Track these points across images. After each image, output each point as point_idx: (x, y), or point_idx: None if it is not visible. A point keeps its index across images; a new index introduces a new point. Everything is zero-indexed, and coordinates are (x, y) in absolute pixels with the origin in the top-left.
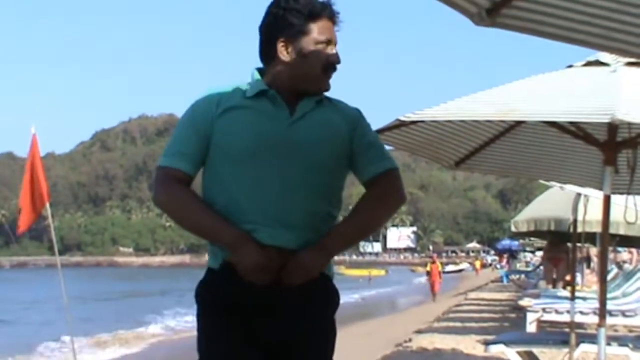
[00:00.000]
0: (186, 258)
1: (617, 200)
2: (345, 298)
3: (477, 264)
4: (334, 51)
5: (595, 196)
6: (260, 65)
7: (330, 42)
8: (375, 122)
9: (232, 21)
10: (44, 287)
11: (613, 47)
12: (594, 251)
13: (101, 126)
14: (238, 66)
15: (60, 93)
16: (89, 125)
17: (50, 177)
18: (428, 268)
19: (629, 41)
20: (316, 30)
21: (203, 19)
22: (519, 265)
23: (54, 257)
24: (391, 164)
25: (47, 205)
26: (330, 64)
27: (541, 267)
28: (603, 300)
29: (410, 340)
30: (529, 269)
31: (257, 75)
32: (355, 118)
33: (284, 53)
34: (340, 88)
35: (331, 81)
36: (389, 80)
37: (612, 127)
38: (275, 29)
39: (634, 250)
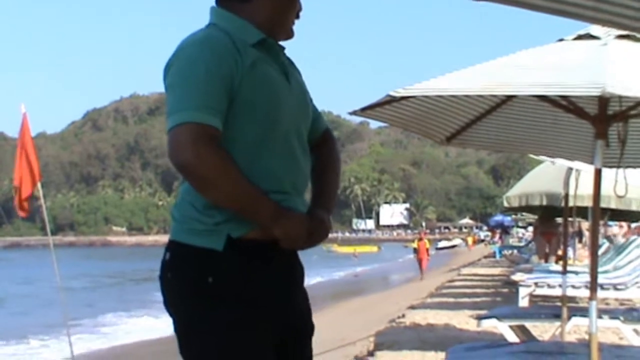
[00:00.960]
0: None
1: (607, 174)
2: (338, 275)
3: (470, 240)
4: None
5: (586, 170)
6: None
7: None
8: (364, 98)
9: None
10: (38, 267)
11: (604, 20)
12: (585, 225)
13: (93, 105)
14: None
15: (51, 72)
16: (81, 104)
17: (42, 157)
18: (415, 245)
19: (620, 13)
20: None
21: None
22: (512, 241)
23: (47, 237)
24: (325, 122)
25: (39, 185)
26: (299, 9)
27: (533, 242)
28: (594, 274)
29: (403, 315)
30: (522, 244)
31: (229, 15)
32: (299, 69)
33: None
34: (329, 63)
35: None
36: (378, 57)
37: (603, 101)
38: None
39: (624, 224)
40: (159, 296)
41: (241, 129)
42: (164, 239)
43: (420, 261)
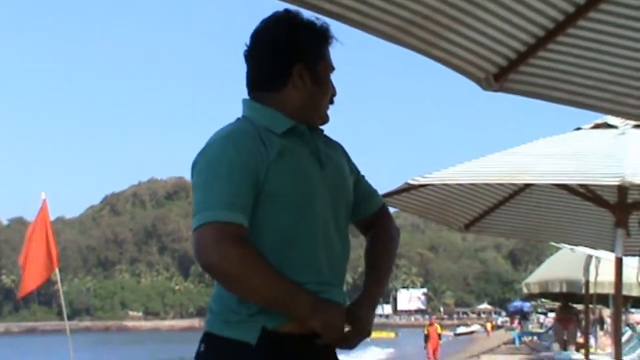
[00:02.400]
0: (196, 322)
1: (629, 262)
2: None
3: (489, 326)
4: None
5: (606, 258)
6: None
7: (333, 69)
8: (382, 185)
9: (240, 87)
10: (54, 355)
11: (621, 112)
12: (607, 313)
13: (111, 190)
14: None
15: (70, 157)
16: (99, 189)
17: (60, 241)
18: (426, 332)
19: (637, 105)
20: (328, 57)
21: (210, 84)
22: (532, 327)
23: (63, 322)
24: (382, 198)
25: (57, 271)
26: (334, 95)
27: (553, 329)
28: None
29: None
30: (542, 330)
31: (260, 107)
32: (344, 150)
33: (299, 81)
34: (350, 145)
35: None
36: (395, 143)
37: (623, 190)
38: (290, 52)
39: None
40: None
41: (271, 220)
42: (181, 324)
43: (433, 350)
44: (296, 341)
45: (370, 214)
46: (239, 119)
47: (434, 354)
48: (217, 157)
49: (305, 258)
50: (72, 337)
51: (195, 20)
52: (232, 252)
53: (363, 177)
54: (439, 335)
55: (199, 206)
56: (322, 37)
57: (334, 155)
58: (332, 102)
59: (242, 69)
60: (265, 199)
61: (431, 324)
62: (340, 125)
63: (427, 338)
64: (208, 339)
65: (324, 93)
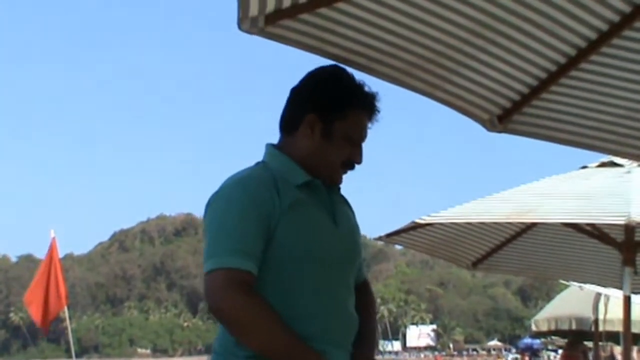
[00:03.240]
0: (204, 359)
1: (637, 299)
2: None
3: None
4: (359, 152)
5: (615, 295)
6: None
7: (360, 139)
8: (385, 224)
9: (249, 123)
10: None
11: (626, 153)
12: (618, 350)
13: (120, 226)
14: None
15: (79, 194)
16: (108, 225)
17: (69, 278)
18: None
19: (638, 146)
20: (353, 120)
21: (220, 122)
22: None
23: (71, 359)
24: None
25: (65, 308)
26: (350, 163)
27: None
28: None
29: None
30: None
31: (278, 154)
32: (353, 210)
33: (308, 129)
34: (357, 183)
35: None
36: (399, 182)
37: (629, 228)
38: (309, 99)
39: None
40: None
41: (278, 270)
42: None
43: None
44: None
45: (359, 283)
46: (257, 163)
47: None
48: (230, 201)
49: (310, 311)
50: None
51: (209, 60)
52: (239, 300)
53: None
54: None
55: (209, 251)
56: (356, 99)
57: (349, 214)
58: (351, 167)
59: (250, 107)
60: (274, 249)
61: None
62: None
63: None
64: None
65: (334, 151)
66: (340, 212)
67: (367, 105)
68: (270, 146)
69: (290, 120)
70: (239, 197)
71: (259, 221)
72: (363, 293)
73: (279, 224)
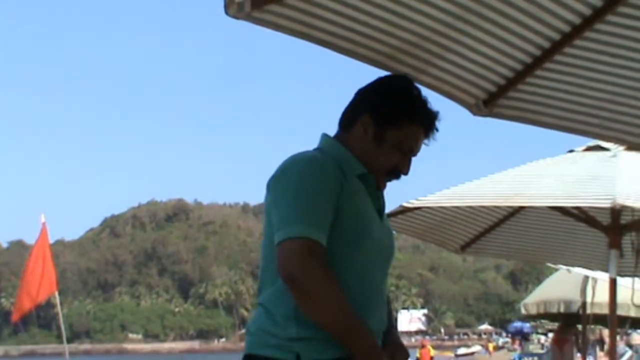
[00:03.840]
0: (195, 344)
1: (625, 282)
2: None
3: (491, 346)
4: (407, 162)
5: (602, 278)
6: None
7: (411, 151)
8: None
9: (241, 110)
10: None
11: (609, 136)
12: (607, 333)
13: (110, 212)
14: (248, 153)
15: (70, 180)
16: (99, 211)
17: (60, 264)
18: (417, 354)
19: (624, 130)
20: (407, 133)
21: (210, 106)
22: (532, 348)
23: (63, 345)
24: None
25: (56, 293)
26: (396, 171)
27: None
28: None
29: None
30: (542, 351)
31: (336, 144)
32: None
33: (361, 129)
34: None
35: None
36: None
37: (615, 211)
38: (370, 102)
39: None
40: None
41: (333, 249)
42: (180, 346)
43: None
44: None
45: None
46: (315, 149)
47: None
48: (303, 176)
49: (355, 295)
50: None
51: (205, 46)
52: (317, 271)
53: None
54: (431, 358)
55: (285, 220)
56: (414, 116)
57: (388, 219)
58: (396, 176)
59: (243, 94)
60: (335, 226)
61: (423, 346)
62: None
63: None
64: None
65: (382, 155)
66: (383, 211)
67: (425, 123)
68: (326, 136)
69: (348, 117)
70: (312, 171)
71: (331, 196)
72: None
73: (343, 204)
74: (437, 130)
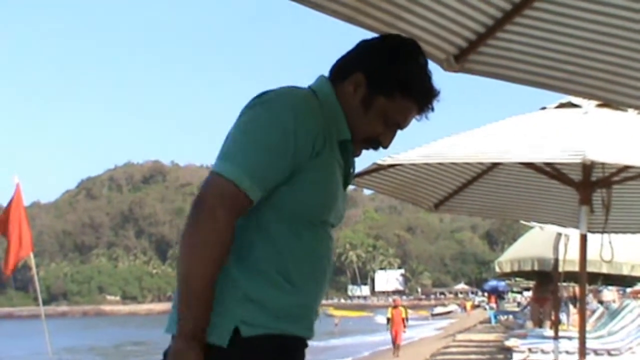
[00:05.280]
0: None
1: (596, 238)
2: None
3: (468, 305)
4: (390, 136)
5: (575, 235)
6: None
7: (398, 126)
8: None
9: (217, 72)
10: (29, 340)
11: (579, 91)
12: (574, 291)
13: (87, 174)
14: (227, 114)
15: (45, 142)
16: (75, 173)
17: (36, 226)
18: (389, 314)
19: (592, 85)
20: (397, 105)
21: (187, 66)
22: (507, 306)
23: (39, 307)
24: None
25: (32, 255)
26: (376, 142)
27: (529, 308)
28: (582, 338)
29: None
30: (517, 309)
31: (331, 94)
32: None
33: (351, 87)
34: None
35: None
36: None
37: (586, 167)
38: (369, 61)
39: (619, 289)
40: None
41: (281, 213)
42: (158, 307)
43: (395, 334)
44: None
45: None
46: (311, 90)
47: (395, 338)
48: (273, 118)
49: (308, 258)
50: (50, 321)
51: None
52: (223, 220)
53: None
54: (404, 319)
55: (231, 153)
56: (411, 90)
57: (351, 176)
58: (374, 147)
59: (220, 56)
60: (289, 189)
61: (395, 306)
62: None
63: (388, 321)
64: None
65: (366, 122)
66: (350, 177)
67: (420, 100)
68: (326, 81)
69: (342, 69)
70: (285, 119)
71: (292, 156)
72: None
73: (305, 167)
74: (432, 109)
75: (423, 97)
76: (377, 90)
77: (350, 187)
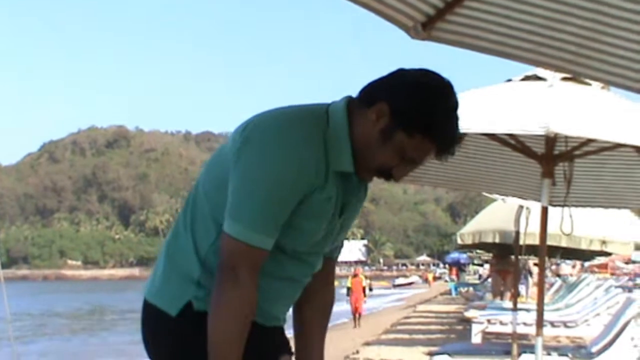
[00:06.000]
0: (135, 271)
1: (556, 212)
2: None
3: (430, 276)
4: (403, 170)
5: (536, 209)
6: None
7: (413, 163)
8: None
9: (183, 35)
10: None
11: (544, 62)
12: (532, 264)
13: (49, 137)
14: (191, 81)
15: (6, 103)
16: (37, 136)
17: None
18: (348, 283)
19: (558, 57)
20: (417, 144)
21: (153, 32)
22: (468, 278)
23: None
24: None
25: None
26: (388, 174)
27: (489, 280)
28: (540, 310)
29: (357, 352)
30: (478, 281)
31: (344, 125)
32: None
33: (374, 115)
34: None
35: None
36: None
37: (550, 140)
38: (396, 94)
39: (577, 262)
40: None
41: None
42: (120, 272)
43: (354, 304)
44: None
45: (327, 257)
46: (323, 108)
47: (355, 308)
48: (274, 160)
49: (277, 275)
50: (9, 285)
51: None
52: (243, 278)
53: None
54: (364, 288)
55: (238, 214)
56: (433, 131)
57: (357, 204)
58: (385, 178)
59: (190, 17)
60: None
61: (355, 275)
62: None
63: (349, 291)
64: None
65: (382, 153)
66: (352, 202)
67: (441, 144)
68: (343, 107)
69: (371, 93)
70: (288, 167)
71: (293, 195)
72: (328, 283)
73: (298, 213)
74: (452, 154)
75: (444, 143)
76: (399, 125)
77: None
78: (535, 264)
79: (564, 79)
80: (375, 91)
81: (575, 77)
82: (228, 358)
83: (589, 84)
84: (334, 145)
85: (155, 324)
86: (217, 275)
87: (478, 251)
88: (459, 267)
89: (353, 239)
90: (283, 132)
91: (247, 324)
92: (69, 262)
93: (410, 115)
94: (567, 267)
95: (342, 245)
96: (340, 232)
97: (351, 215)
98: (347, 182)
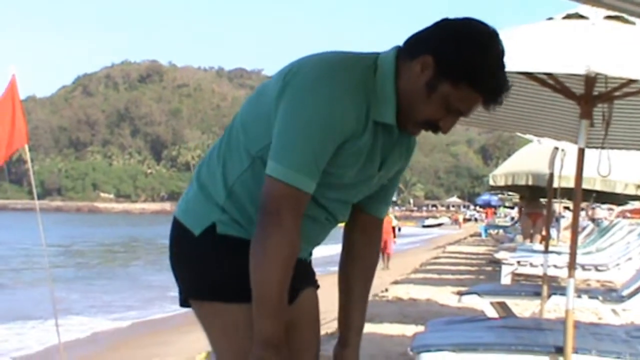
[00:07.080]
0: (167, 205)
1: (592, 155)
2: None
3: (461, 217)
4: (451, 122)
5: (571, 151)
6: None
7: (460, 114)
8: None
9: None
10: (23, 230)
11: None
12: (562, 207)
13: (83, 71)
14: (225, 17)
15: (42, 35)
16: (71, 69)
17: (31, 120)
18: None
19: None
20: (462, 95)
21: None
22: (498, 221)
23: (34, 200)
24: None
25: (27, 148)
26: (434, 126)
27: (519, 222)
28: (573, 252)
29: (386, 290)
30: (508, 223)
31: (391, 74)
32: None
33: (418, 67)
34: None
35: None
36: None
37: (589, 81)
38: (441, 46)
39: (614, 207)
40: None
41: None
42: (152, 207)
43: (384, 245)
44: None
45: (367, 212)
46: (373, 58)
47: (385, 248)
48: (318, 105)
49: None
50: (43, 215)
51: None
52: (287, 221)
53: (400, 175)
54: (394, 229)
55: (281, 155)
56: (479, 82)
57: (402, 155)
58: (433, 130)
59: None
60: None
61: None
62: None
63: None
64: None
65: (427, 105)
66: (393, 156)
67: (488, 94)
68: (392, 58)
69: (415, 45)
70: (333, 111)
71: (334, 139)
72: (371, 242)
73: (337, 156)
74: (499, 103)
75: (490, 92)
76: (444, 76)
77: None
78: (565, 207)
79: (607, 17)
80: (419, 42)
81: (619, 16)
82: (273, 299)
83: (633, 23)
84: (379, 96)
85: (180, 241)
86: (259, 218)
87: (510, 193)
88: (490, 209)
89: None
90: (326, 76)
91: (291, 267)
92: (102, 195)
93: (455, 66)
94: (602, 212)
95: (388, 203)
96: (381, 187)
97: (392, 169)
98: (388, 135)
